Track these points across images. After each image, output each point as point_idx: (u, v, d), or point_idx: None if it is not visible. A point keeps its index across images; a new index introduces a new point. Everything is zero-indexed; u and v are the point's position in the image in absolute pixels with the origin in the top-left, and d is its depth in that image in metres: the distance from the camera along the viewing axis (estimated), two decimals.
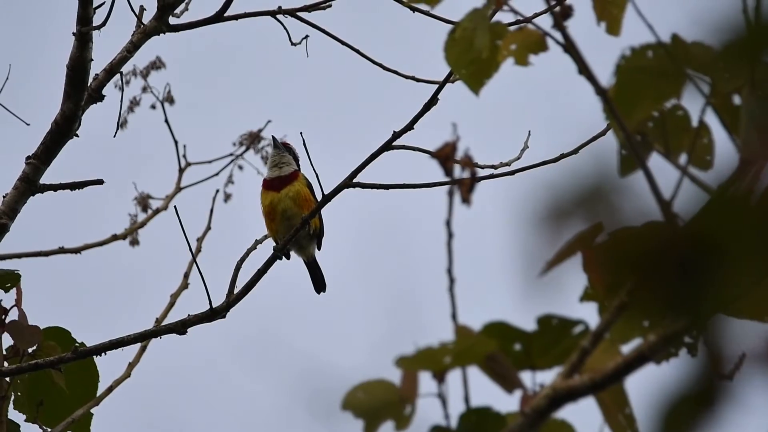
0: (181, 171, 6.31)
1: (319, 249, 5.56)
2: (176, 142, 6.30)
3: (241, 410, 5.67)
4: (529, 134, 4.80)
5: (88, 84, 4.25)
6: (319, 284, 5.58)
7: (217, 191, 5.83)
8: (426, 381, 2.28)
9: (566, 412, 2.25)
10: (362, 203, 4.99)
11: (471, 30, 2.53)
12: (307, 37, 4.61)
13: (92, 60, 4.22)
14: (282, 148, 5.61)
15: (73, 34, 4.18)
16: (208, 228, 5.63)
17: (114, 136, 4.69)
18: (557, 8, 2.29)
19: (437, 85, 4.32)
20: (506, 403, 2.29)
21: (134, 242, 6.09)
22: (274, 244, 5.23)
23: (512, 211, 2.29)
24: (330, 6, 4.48)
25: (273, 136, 5.66)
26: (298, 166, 5.58)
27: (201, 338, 4.83)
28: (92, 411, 4.38)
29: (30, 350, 4.24)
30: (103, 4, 4.14)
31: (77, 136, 4.31)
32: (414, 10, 4.31)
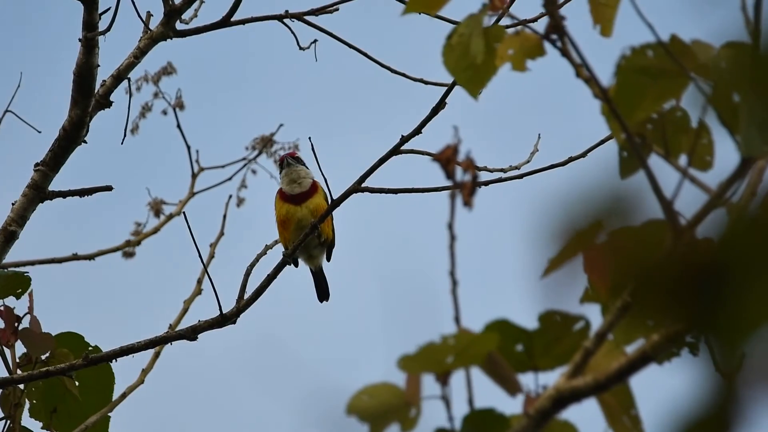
0: (194, 176, 6.33)
1: (328, 260, 5.53)
2: (188, 147, 6.33)
3: (251, 425, 5.67)
4: (539, 138, 4.79)
5: (96, 90, 4.26)
6: (323, 293, 5.57)
7: (230, 196, 5.85)
8: (430, 383, 2.28)
9: (570, 414, 2.24)
10: (371, 208, 4.99)
11: (467, 36, 2.53)
12: (315, 41, 4.61)
13: (99, 66, 4.22)
14: (294, 163, 5.52)
15: (79, 40, 4.19)
16: (221, 234, 5.63)
17: (122, 143, 4.67)
18: (553, 13, 2.28)
19: (445, 88, 4.31)
20: (510, 404, 2.28)
21: (128, 254, 6.11)
22: (284, 250, 5.21)
23: (524, 226, 2.28)
24: (337, 10, 4.48)
25: (282, 157, 5.58)
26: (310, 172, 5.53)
27: (212, 348, 4.84)
28: (109, 415, 4.38)
29: (43, 357, 4.24)
30: (109, 9, 4.15)
31: (85, 142, 4.31)
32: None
